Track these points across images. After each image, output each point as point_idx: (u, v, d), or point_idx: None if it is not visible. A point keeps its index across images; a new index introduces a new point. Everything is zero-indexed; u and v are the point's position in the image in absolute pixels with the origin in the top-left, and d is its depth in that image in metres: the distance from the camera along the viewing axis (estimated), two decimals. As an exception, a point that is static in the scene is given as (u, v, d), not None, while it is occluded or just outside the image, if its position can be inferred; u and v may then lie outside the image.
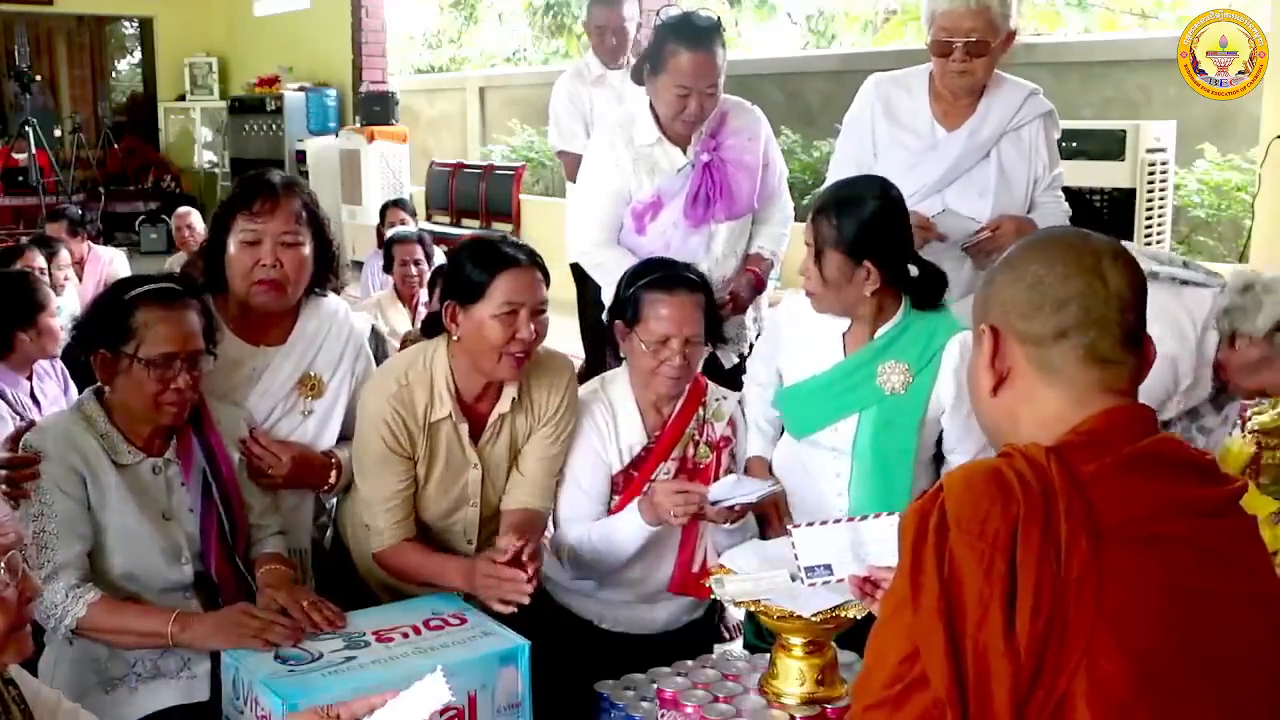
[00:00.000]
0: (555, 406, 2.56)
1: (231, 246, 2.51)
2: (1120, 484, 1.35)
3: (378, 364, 2.73)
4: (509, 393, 2.52)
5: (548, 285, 2.47)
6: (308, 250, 2.56)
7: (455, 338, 2.45)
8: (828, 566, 1.87)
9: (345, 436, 2.67)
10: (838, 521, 1.94)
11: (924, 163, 3.05)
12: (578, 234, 3.42)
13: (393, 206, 6.86)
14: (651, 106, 3.28)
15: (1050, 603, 1.28)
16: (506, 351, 2.39)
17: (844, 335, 2.54)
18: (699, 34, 3.12)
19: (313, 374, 2.63)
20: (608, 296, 3.27)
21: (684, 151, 3.28)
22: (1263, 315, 2.54)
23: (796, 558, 1.88)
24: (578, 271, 3.90)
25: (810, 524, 1.94)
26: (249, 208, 2.50)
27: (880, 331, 2.49)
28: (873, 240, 2.42)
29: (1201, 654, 1.31)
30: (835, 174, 3.20)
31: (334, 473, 2.63)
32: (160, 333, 2.25)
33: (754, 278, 3.36)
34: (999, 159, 3.03)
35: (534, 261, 2.44)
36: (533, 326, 2.39)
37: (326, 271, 2.64)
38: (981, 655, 1.28)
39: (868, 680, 1.37)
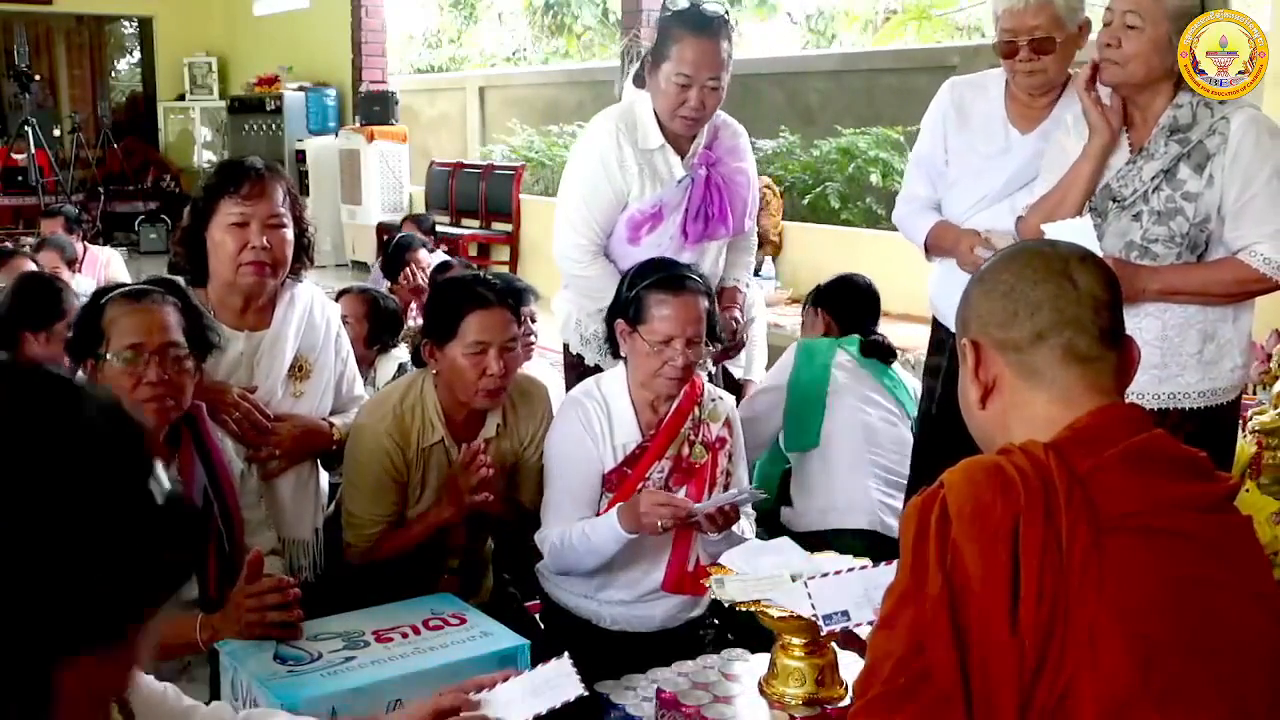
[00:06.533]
0: (533, 433, 2.74)
1: (217, 231, 2.53)
2: (1118, 478, 1.37)
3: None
4: (493, 419, 2.70)
5: (519, 320, 2.64)
6: (291, 234, 2.60)
7: (434, 372, 2.61)
8: (845, 613, 1.90)
9: (333, 411, 2.79)
10: (850, 570, 1.98)
11: (992, 168, 2.89)
12: (565, 231, 3.11)
13: (409, 221, 6.95)
14: (655, 112, 3.04)
15: (1053, 592, 1.30)
16: (479, 386, 2.56)
17: None
18: (706, 22, 2.95)
19: (300, 357, 2.69)
20: (582, 311, 3.14)
21: (682, 162, 3.09)
22: None
23: (814, 608, 1.92)
24: None
25: (825, 575, 1.96)
26: (237, 191, 2.52)
27: None
28: (830, 298, 3.62)
29: (1202, 645, 1.33)
30: (908, 177, 3.12)
31: (335, 432, 2.71)
32: (124, 326, 2.24)
33: (734, 321, 3.20)
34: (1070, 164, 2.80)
35: (504, 301, 2.58)
36: (502, 363, 2.54)
37: (302, 255, 2.68)
38: (986, 646, 1.30)
39: (871, 675, 1.38)
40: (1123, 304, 1.51)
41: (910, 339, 4.66)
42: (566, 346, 3.27)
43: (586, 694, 1.75)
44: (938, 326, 3.12)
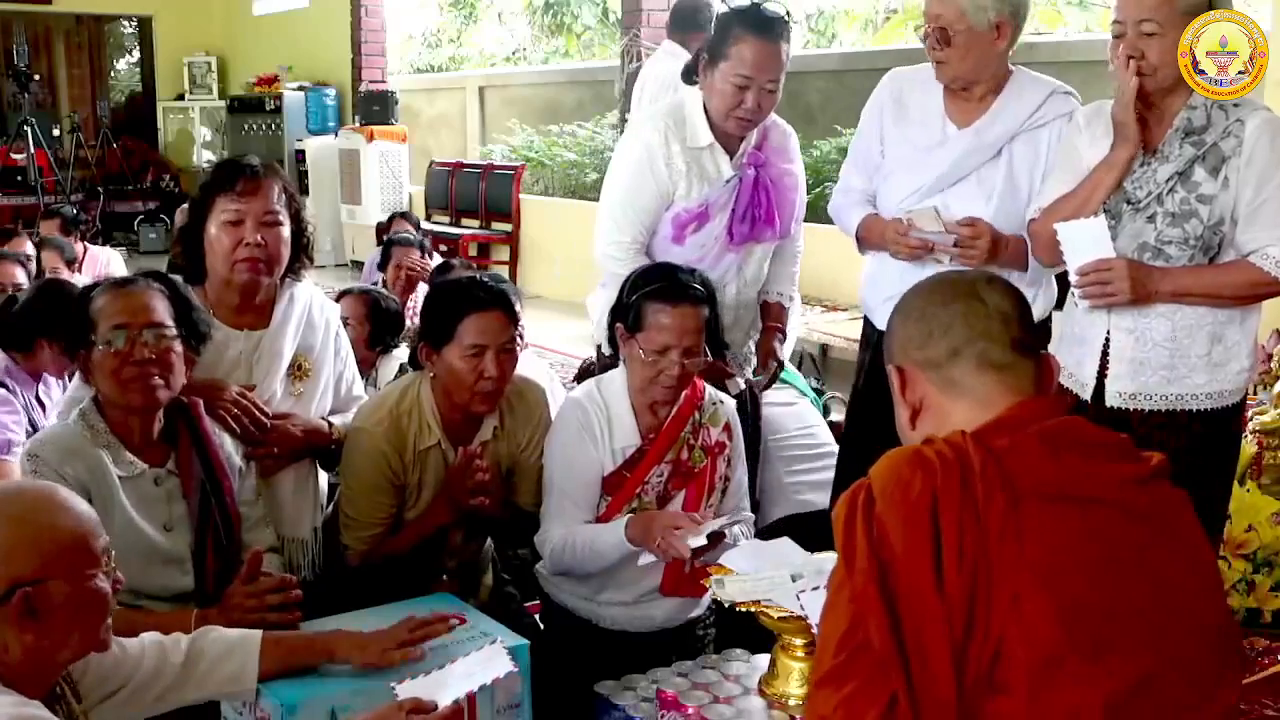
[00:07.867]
0: (530, 435, 2.73)
1: (213, 228, 2.54)
2: (1035, 454, 1.47)
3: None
4: (490, 421, 2.69)
5: (515, 324, 2.62)
6: (287, 232, 2.60)
7: (431, 375, 2.61)
8: None
9: (333, 411, 2.79)
10: None
11: (927, 161, 2.87)
12: (608, 228, 3.07)
13: (399, 218, 6.92)
14: (705, 109, 3.00)
15: (973, 553, 1.39)
16: (475, 389, 2.55)
17: None
18: (767, 23, 2.89)
19: (299, 356, 2.68)
20: None
21: (730, 161, 3.03)
22: None
23: (806, 619, 1.96)
24: None
25: (815, 589, 1.97)
26: (232, 188, 2.52)
27: None
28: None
29: (1133, 607, 1.41)
30: (845, 168, 3.10)
31: (334, 432, 2.71)
32: (110, 310, 2.26)
33: (775, 345, 3.17)
34: (1010, 161, 2.82)
35: (501, 303, 2.58)
36: (498, 365, 2.54)
37: (300, 254, 2.68)
38: (916, 612, 1.39)
39: (819, 660, 1.47)
40: (1033, 319, 1.61)
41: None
42: (600, 348, 3.21)
43: (515, 669, 1.86)
44: (865, 323, 3.12)
